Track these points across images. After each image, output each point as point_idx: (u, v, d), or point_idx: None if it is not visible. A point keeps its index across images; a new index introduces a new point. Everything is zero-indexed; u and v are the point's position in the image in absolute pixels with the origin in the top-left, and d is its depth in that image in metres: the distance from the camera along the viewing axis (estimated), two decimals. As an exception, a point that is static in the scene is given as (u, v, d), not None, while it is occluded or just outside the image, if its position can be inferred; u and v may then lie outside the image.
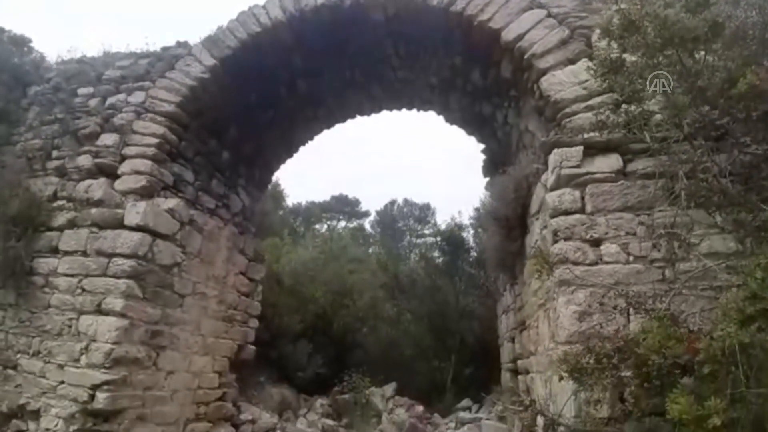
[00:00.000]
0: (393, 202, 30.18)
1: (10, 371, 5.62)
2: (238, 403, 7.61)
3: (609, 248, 3.90)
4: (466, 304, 11.41)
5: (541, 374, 4.82)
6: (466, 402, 10.29)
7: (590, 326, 3.51)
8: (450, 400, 10.26)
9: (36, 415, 5.25)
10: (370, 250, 18.60)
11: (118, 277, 5.43)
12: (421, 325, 11.73)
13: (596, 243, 3.94)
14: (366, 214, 30.23)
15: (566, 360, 2.78)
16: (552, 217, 4.11)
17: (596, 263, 3.87)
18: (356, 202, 30.30)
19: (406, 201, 30.14)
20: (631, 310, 3.36)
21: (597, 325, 3.47)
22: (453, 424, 8.76)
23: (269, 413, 8.11)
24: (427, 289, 11.98)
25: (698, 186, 3.40)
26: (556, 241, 3.99)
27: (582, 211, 4.05)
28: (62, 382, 5.26)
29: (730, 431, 2.17)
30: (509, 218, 5.54)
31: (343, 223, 29.14)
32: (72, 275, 5.64)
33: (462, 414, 9.24)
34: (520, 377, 6.56)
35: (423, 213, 29.15)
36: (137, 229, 5.59)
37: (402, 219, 29.90)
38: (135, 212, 5.62)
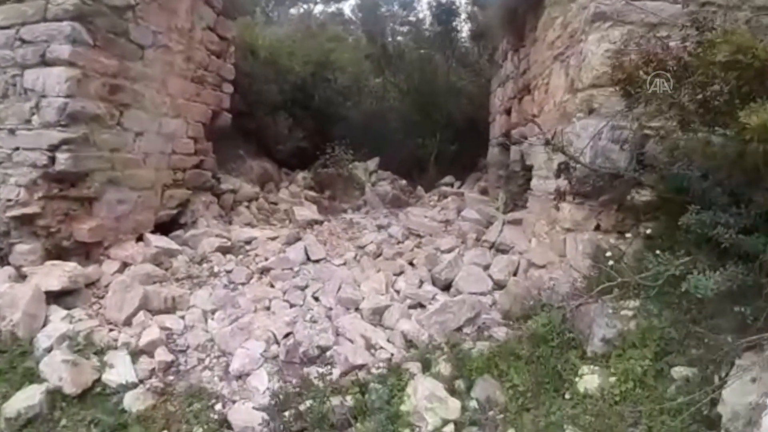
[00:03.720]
0: (376, -17, 26.88)
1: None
2: (217, 174, 7.36)
3: (657, -20, 3.21)
4: (456, 80, 10.70)
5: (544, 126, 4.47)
6: (448, 179, 10.35)
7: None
8: (433, 177, 10.27)
9: (-6, 187, 4.79)
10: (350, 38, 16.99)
11: (60, 20, 4.58)
12: (408, 100, 11.08)
13: (643, -28, 3.23)
14: (345, -4, 26.97)
15: (620, 67, 2.26)
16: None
17: (640, -3, 3.22)
18: (335, -18, 26.79)
19: (390, -18, 26.83)
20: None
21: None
22: (436, 197, 8.84)
23: (250, 184, 7.96)
24: (416, 62, 11.06)
25: None
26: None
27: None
28: (17, 149, 4.71)
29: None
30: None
31: (320, 7, 26.25)
32: (8, 27, 4.77)
33: (444, 188, 9.31)
34: (512, 147, 6.31)
35: (409, -3, 26.10)
36: (73, -43, 4.54)
37: (386, 3, 26.97)
38: (68, -64, 4.51)
